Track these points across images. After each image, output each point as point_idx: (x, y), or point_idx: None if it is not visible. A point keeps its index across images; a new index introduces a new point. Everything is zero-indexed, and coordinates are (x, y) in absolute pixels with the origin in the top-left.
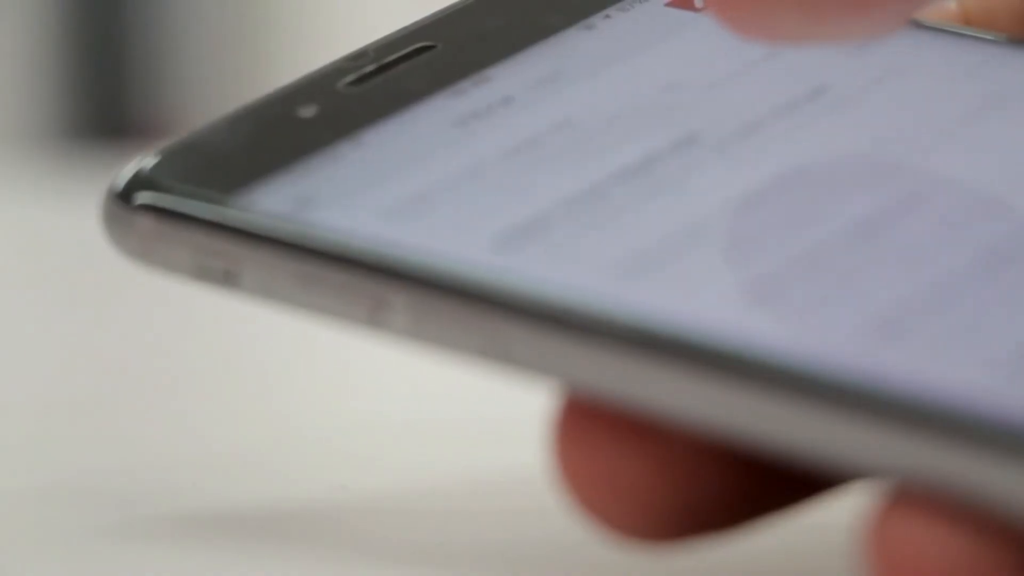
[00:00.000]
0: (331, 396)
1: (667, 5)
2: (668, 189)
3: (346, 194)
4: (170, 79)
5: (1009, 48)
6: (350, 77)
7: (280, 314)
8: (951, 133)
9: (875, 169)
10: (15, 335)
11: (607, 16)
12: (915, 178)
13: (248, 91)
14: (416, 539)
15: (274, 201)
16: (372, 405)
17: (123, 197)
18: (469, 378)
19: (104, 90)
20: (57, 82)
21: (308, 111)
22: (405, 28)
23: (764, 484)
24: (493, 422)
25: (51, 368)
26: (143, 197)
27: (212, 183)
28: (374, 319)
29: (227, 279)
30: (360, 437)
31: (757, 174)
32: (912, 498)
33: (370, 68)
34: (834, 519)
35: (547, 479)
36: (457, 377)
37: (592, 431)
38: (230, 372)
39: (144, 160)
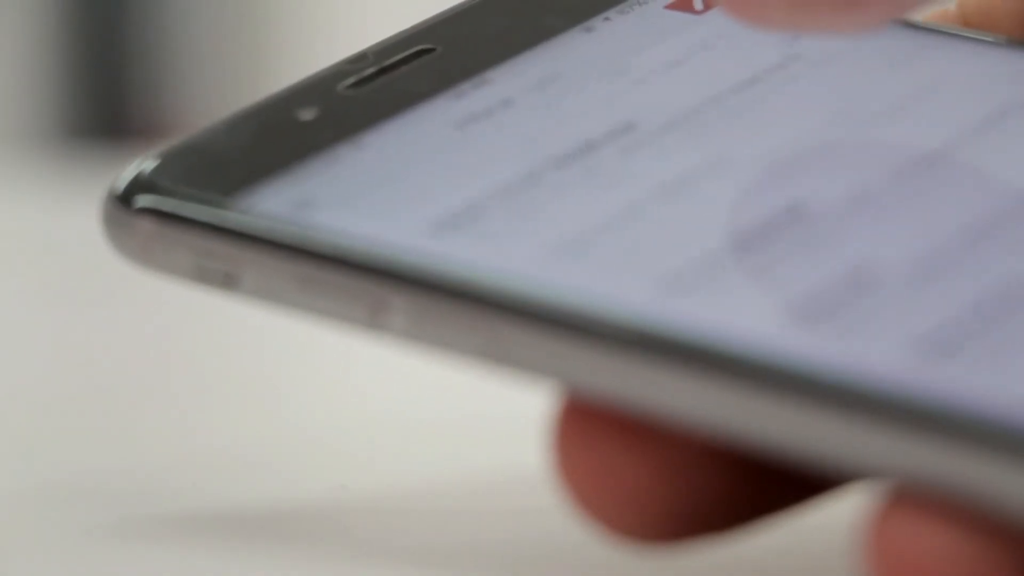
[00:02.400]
0: (331, 396)
1: (666, 8)
2: (666, 189)
3: (346, 197)
4: (170, 79)
5: (1007, 50)
6: (350, 80)
7: (280, 316)
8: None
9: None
10: (15, 335)
11: (607, 19)
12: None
13: (248, 92)
14: (416, 539)
15: (274, 204)
16: (372, 405)
17: (123, 200)
18: (469, 379)
19: (104, 90)
20: (57, 82)
21: (308, 114)
22: (405, 31)
23: (763, 485)
24: (493, 423)
25: (51, 368)
26: (143, 200)
27: (212, 186)
28: (374, 321)
29: (227, 282)
30: (360, 437)
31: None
32: (912, 499)
33: (370, 71)
34: (834, 519)
35: (547, 480)
36: (457, 378)
37: (592, 432)
38: (230, 372)
39: (144, 163)
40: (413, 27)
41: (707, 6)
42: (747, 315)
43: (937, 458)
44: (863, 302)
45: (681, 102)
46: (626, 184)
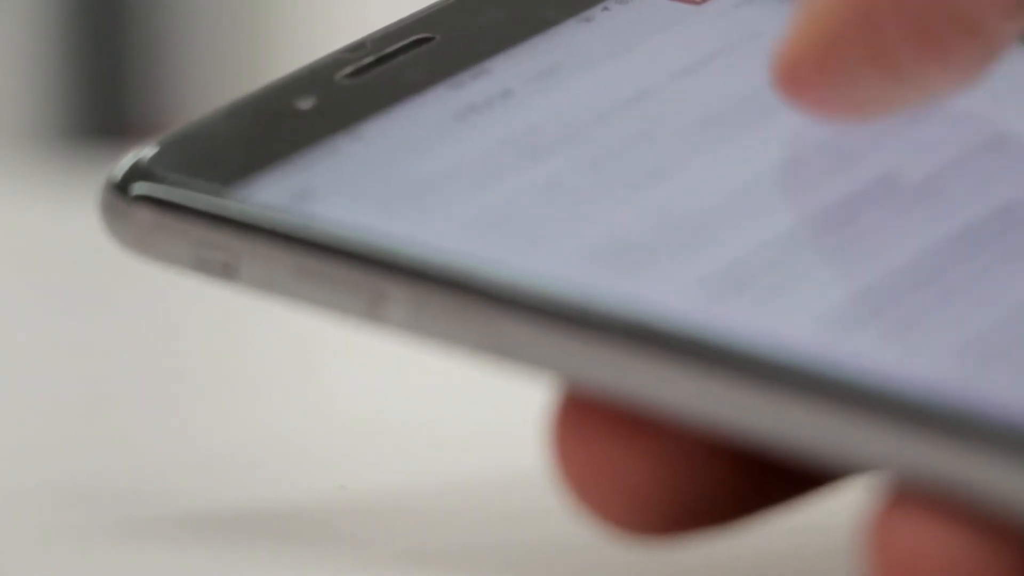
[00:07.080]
0: (331, 396)
1: None
2: (664, 181)
3: (344, 186)
4: (169, 78)
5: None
6: (348, 69)
7: (279, 309)
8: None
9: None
10: (15, 335)
11: (606, 8)
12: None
13: (248, 91)
14: (415, 539)
15: (272, 193)
16: (372, 405)
17: (121, 188)
18: (469, 377)
19: (104, 90)
20: (57, 82)
21: (306, 103)
22: (403, 19)
23: (763, 478)
24: (493, 422)
25: (51, 368)
26: (141, 188)
27: (210, 174)
28: (372, 312)
29: (225, 271)
30: (360, 437)
31: (763, 163)
32: (912, 497)
33: (368, 60)
34: (834, 518)
35: (546, 478)
36: (457, 377)
37: (591, 426)
38: (230, 372)
39: (142, 151)
40: (412, 15)
41: (776, 84)
42: (748, 311)
43: (939, 456)
44: (865, 300)
45: (683, 95)
46: (628, 179)
